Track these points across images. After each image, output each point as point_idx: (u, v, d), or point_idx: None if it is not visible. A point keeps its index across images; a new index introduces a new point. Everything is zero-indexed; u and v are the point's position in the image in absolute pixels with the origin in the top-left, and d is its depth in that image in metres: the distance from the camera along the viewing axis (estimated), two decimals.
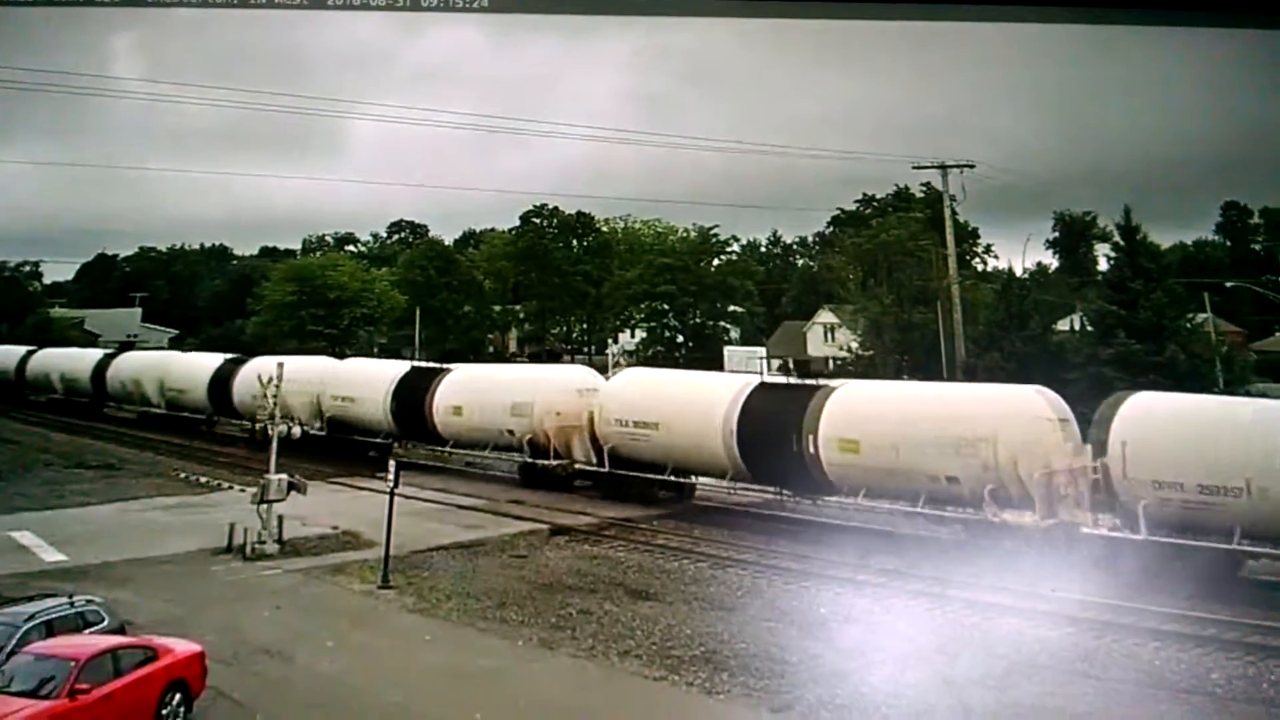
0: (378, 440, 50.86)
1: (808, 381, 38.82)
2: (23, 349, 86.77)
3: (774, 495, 38.11)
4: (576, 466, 42.55)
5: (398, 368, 52.63)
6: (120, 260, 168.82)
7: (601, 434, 41.87)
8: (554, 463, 42.60)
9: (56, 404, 76.06)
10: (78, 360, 76.95)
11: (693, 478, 39.98)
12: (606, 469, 41.22)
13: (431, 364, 53.28)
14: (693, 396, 40.11)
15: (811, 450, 35.14)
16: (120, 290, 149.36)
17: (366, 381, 51.94)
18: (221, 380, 60.43)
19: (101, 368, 71.69)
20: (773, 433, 36.60)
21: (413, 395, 49.30)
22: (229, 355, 65.79)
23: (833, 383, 37.76)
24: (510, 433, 44.34)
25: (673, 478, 39.87)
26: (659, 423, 39.81)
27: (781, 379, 39.17)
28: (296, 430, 39.22)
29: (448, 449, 48.41)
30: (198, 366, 64.09)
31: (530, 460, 43.57)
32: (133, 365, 70.22)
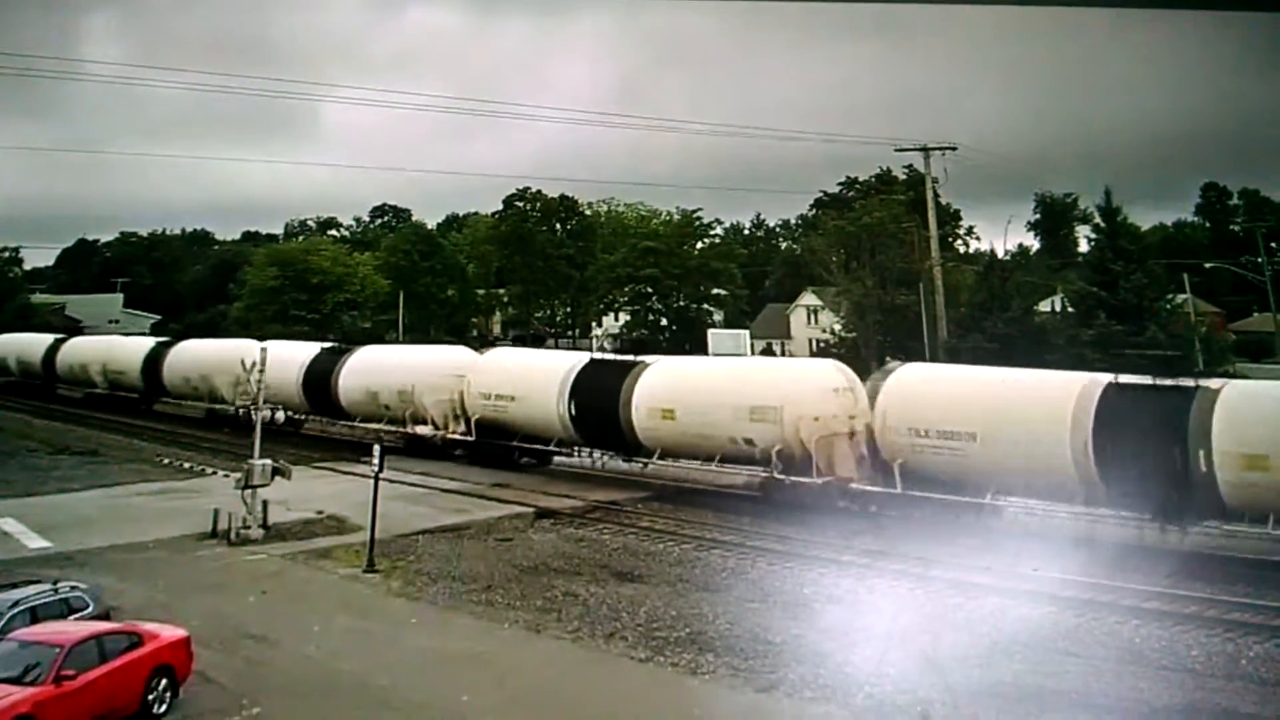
0: (547, 449, 44.17)
1: (1180, 381, 30.80)
2: (49, 337, 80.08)
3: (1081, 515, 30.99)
4: (852, 486, 34.61)
5: (572, 360, 44.53)
6: (101, 245, 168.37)
7: (887, 445, 34.00)
8: (820, 480, 34.61)
9: (97, 399, 69.63)
10: (123, 351, 69.87)
11: (996, 498, 32.20)
12: (899, 489, 33.27)
13: (619, 356, 45.70)
14: (1024, 399, 32.17)
15: (1203, 467, 28.12)
16: (101, 275, 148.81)
17: (531, 377, 44.18)
18: (320, 375, 53.25)
19: (155, 359, 64.76)
20: (1145, 446, 29.40)
21: (599, 395, 41.08)
22: (327, 345, 58.77)
23: (1211, 382, 30.41)
24: (749, 442, 36.22)
25: (990, 500, 32.07)
26: (977, 433, 31.78)
27: (1136, 378, 31.54)
28: (280, 415, 37.86)
29: (651, 461, 40.44)
30: (284, 359, 53.54)
31: (779, 476, 35.57)
32: (196, 358, 62.19)
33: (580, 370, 42.51)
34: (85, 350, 73.49)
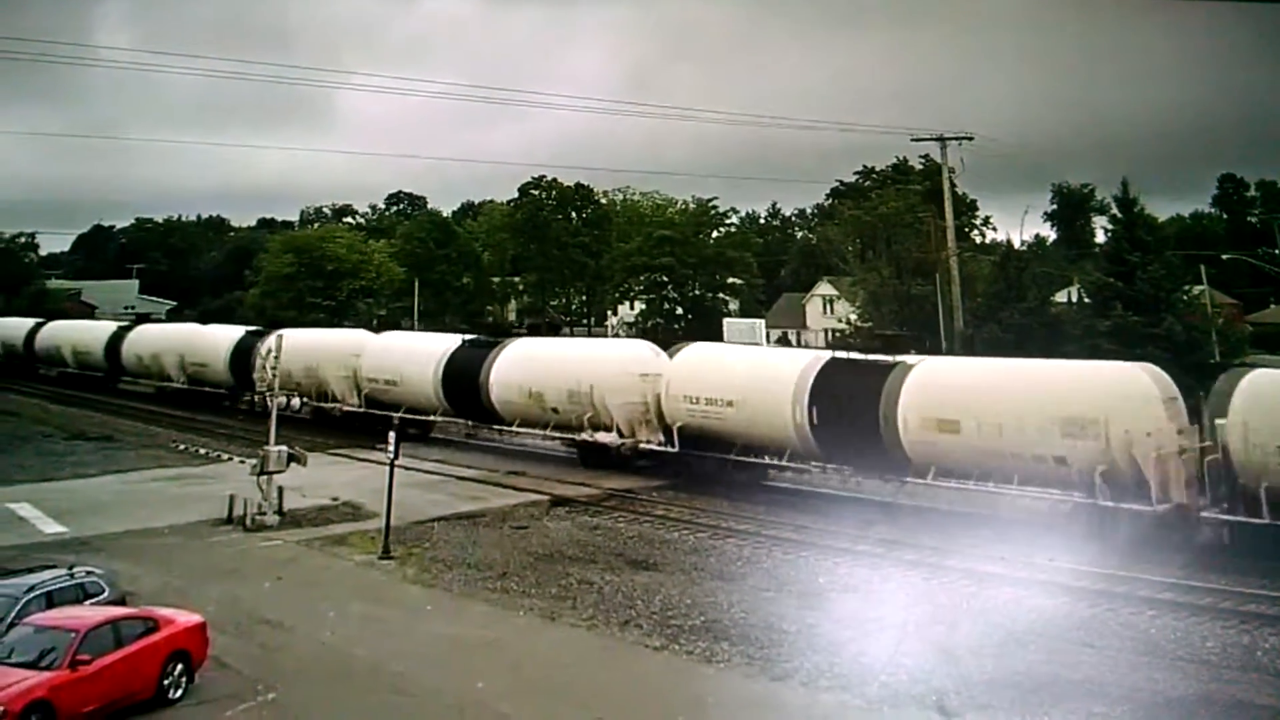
0: (774, 464, 37.26)
1: None
2: (111, 325, 74.87)
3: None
4: (1204, 515, 28.43)
5: (804, 359, 37.29)
6: (117, 231, 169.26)
7: (1249, 466, 27.42)
8: (1160, 507, 27.92)
9: (177, 395, 63.21)
10: (205, 341, 62.29)
11: None
12: (1266, 518, 26.86)
13: (869, 355, 37.05)
14: None
15: None
16: (117, 261, 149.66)
17: (756, 379, 37.16)
18: (464, 373, 46.56)
19: (245, 351, 56.75)
20: None
21: (850, 401, 34.34)
22: (470, 337, 51.34)
23: None
24: (1060, 461, 29.73)
25: None
26: None
27: None
28: (296, 402, 36.82)
29: (924, 482, 32.85)
30: (416, 353, 50.04)
31: (1104, 503, 28.78)
32: (297, 349, 50.31)
33: (821, 371, 35.72)
34: (157, 340, 66.82)
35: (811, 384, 35.34)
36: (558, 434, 43.12)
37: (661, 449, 39.63)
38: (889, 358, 35.99)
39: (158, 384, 66.06)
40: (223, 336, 60.78)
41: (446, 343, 49.66)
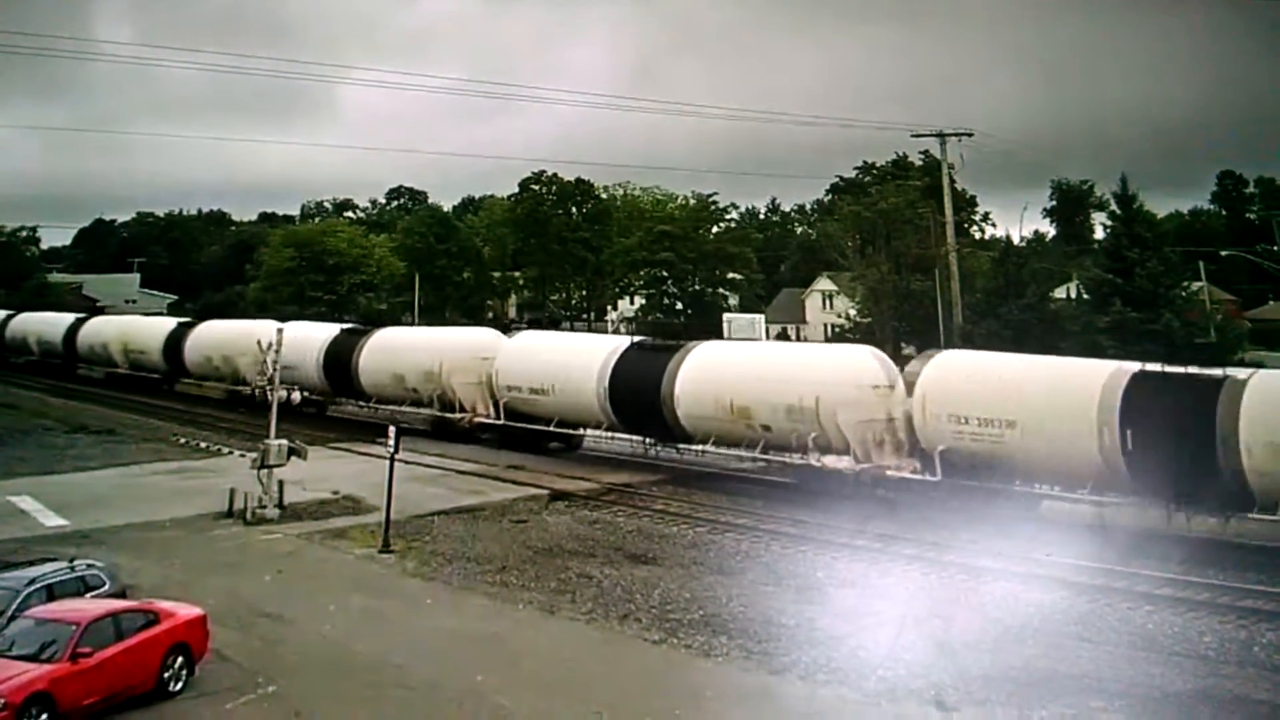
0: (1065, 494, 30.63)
1: None
2: (170, 321, 68.46)
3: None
4: None
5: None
6: (118, 225, 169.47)
7: None
8: None
9: (252, 400, 52.55)
10: (289, 342, 51.54)
11: None
12: None
13: None
14: None
15: None
16: (118, 255, 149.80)
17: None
18: (642, 379, 39.66)
19: (339, 351, 52.28)
20: None
21: None
22: (639, 338, 45.45)
23: None
24: None
25: None
26: None
27: None
28: (296, 396, 36.21)
29: None
30: (570, 355, 43.65)
31: None
32: (417, 349, 49.89)
33: (1129, 386, 29.21)
34: (227, 339, 58.77)
35: (1120, 402, 29.07)
36: (765, 457, 37.31)
37: (916, 477, 33.13)
38: (1214, 371, 29.52)
39: (230, 388, 58.28)
40: (312, 336, 53.67)
41: (609, 345, 43.50)
